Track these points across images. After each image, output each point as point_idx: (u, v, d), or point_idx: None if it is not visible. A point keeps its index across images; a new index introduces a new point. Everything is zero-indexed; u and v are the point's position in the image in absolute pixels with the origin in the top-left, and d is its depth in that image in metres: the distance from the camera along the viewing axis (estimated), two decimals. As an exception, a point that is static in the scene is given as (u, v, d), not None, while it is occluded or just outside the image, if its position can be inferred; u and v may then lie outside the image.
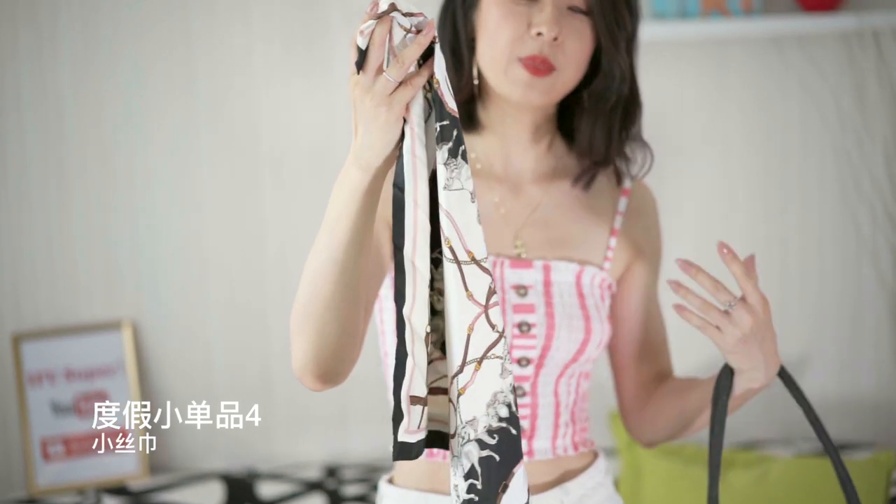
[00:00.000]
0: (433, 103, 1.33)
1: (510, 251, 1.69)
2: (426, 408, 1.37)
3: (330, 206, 1.39)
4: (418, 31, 1.31)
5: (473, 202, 1.33)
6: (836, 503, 2.47)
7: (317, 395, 2.84)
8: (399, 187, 1.34)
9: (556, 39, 1.59)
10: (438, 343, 1.40)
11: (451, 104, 1.33)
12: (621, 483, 2.66)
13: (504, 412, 1.35)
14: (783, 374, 1.67)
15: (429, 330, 1.36)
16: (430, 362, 1.39)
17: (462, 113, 1.71)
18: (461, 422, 1.35)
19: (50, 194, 2.80)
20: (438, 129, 1.32)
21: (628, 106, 1.70)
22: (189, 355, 2.86)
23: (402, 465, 1.73)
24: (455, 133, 1.32)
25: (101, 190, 2.80)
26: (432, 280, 1.38)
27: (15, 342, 2.77)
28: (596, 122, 1.69)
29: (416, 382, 1.35)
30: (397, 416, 1.34)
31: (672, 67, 2.82)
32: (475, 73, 1.67)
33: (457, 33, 1.68)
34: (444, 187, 1.32)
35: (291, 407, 2.87)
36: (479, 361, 1.34)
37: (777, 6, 2.80)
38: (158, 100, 2.79)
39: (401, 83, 1.29)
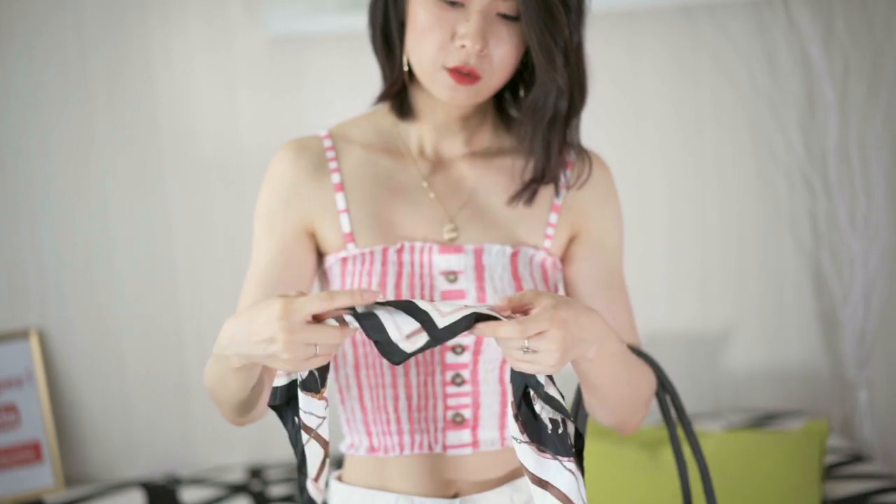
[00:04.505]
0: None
1: (439, 236, 1.64)
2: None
3: (217, 347, 1.43)
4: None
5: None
6: (768, 474, 2.46)
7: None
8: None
9: (482, 50, 1.54)
10: None
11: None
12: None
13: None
14: (645, 358, 1.64)
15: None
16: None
17: (395, 100, 1.67)
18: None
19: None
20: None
21: (569, 118, 1.61)
22: (101, 364, 2.77)
23: (351, 462, 1.68)
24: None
25: (1, 197, 2.71)
26: None
27: (-84, 358, 2.66)
28: (535, 134, 1.62)
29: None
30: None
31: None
32: (405, 61, 1.61)
33: (388, 18, 1.63)
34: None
35: (210, 410, 2.79)
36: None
37: (684, -26, 2.77)
38: (57, 103, 2.69)
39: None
